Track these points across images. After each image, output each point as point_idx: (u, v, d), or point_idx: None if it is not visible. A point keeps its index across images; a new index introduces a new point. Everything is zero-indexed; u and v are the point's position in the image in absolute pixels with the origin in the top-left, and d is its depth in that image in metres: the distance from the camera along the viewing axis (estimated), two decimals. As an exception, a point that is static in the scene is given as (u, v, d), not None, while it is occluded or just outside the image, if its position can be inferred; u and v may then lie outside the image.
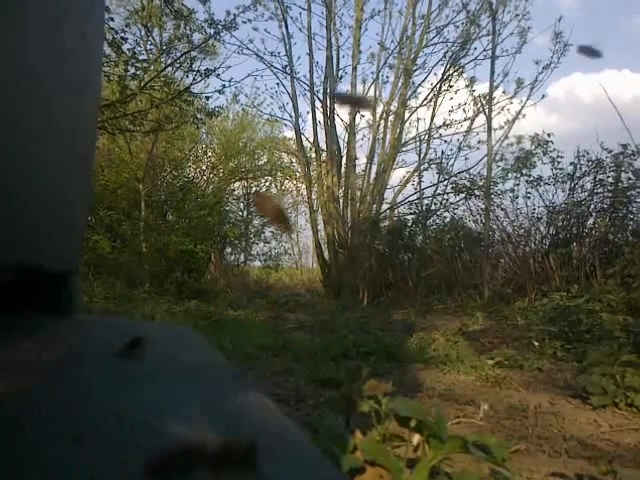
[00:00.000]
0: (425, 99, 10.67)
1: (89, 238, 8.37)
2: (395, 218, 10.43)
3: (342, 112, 10.57)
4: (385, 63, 10.67)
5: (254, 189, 15.30)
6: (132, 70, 7.15)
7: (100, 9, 1.02)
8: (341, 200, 10.43)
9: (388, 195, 10.63)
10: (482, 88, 16.08)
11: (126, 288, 7.82)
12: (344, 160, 10.48)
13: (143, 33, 9.16)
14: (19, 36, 0.52)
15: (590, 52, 0.88)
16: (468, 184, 9.13)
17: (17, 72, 0.53)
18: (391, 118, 10.46)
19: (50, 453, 0.34)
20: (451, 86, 10.59)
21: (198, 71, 7.91)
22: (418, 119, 10.80)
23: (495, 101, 9.73)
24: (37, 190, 0.65)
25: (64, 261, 0.81)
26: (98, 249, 8.72)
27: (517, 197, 8.09)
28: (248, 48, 10.56)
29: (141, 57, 7.69)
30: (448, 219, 9.55)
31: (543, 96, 10.35)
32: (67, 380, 0.49)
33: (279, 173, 15.10)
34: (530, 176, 8.05)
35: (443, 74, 10.50)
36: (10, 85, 0.52)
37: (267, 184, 15.50)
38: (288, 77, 10.93)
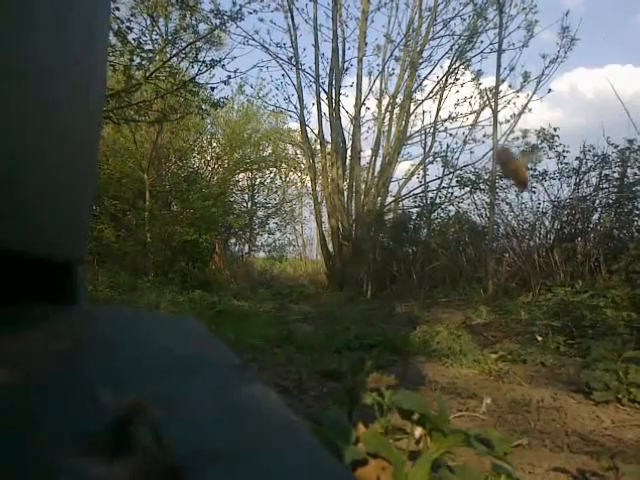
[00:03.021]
0: (431, 92, 10.64)
1: (94, 227, 8.40)
2: (399, 211, 10.41)
3: (347, 104, 10.57)
4: (391, 55, 10.64)
5: (258, 180, 15.29)
6: (137, 60, 7.13)
7: (106, 0, 1.01)
8: (345, 192, 10.41)
9: (393, 188, 10.63)
10: (488, 81, 16.02)
11: (130, 277, 7.86)
12: (349, 152, 10.46)
13: (149, 23, 9.12)
14: (24, 27, 0.52)
15: None
16: (473, 178, 9.10)
17: (21, 63, 0.53)
18: (396, 111, 10.43)
19: (50, 447, 0.34)
20: (457, 79, 10.55)
21: (203, 62, 7.90)
22: (424, 112, 10.78)
23: (501, 95, 9.68)
24: (42, 180, 0.65)
25: (69, 251, 0.81)
26: (103, 238, 8.74)
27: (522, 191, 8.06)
28: (254, 39, 10.54)
29: (146, 47, 7.67)
30: (453, 213, 9.53)
31: (549, 90, 10.30)
32: (69, 372, 0.49)
33: (284, 165, 15.09)
34: (535, 170, 8.02)
35: (449, 67, 10.46)
36: (14, 75, 0.52)
37: (272, 175, 15.50)
38: (293, 68, 10.91)
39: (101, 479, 0.30)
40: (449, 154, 10.27)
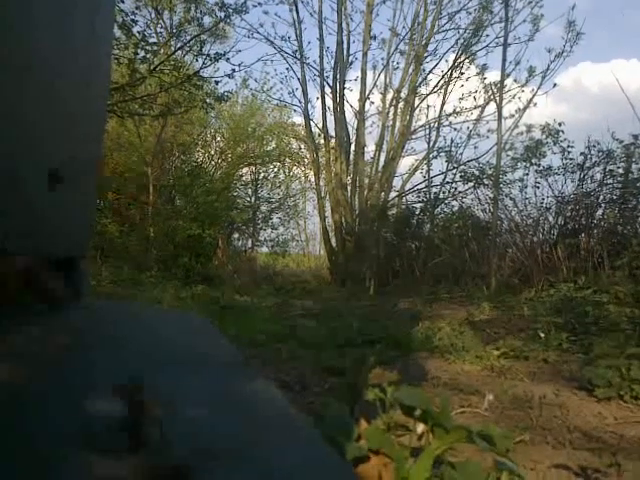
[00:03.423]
0: (435, 86, 10.61)
1: (97, 222, 8.41)
2: (403, 206, 10.40)
3: (352, 98, 10.55)
4: (396, 49, 10.61)
5: (262, 175, 15.29)
6: (142, 53, 7.13)
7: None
8: (349, 187, 10.40)
9: (396, 183, 10.62)
10: (493, 76, 15.96)
11: (134, 272, 7.87)
12: (353, 147, 10.45)
13: (153, 16, 9.12)
14: (30, 22, 0.52)
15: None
16: (477, 173, 9.08)
17: (28, 58, 0.53)
18: (401, 105, 10.40)
19: (51, 437, 0.34)
20: (462, 73, 10.52)
21: (208, 55, 7.89)
22: (428, 106, 10.74)
23: (506, 89, 9.64)
24: (45, 176, 0.65)
25: (73, 246, 0.81)
26: (106, 233, 8.76)
27: (526, 187, 8.05)
28: (258, 32, 10.53)
29: (151, 40, 7.67)
30: (456, 208, 9.53)
31: (555, 85, 10.25)
32: (72, 367, 0.50)
33: (287, 159, 15.06)
34: (540, 166, 7.99)
35: (454, 61, 10.42)
36: (20, 70, 0.51)
37: (275, 170, 15.49)
38: (298, 62, 10.89)
39: (106, 477, 0.30)
40: (453, 149, 10.26)
